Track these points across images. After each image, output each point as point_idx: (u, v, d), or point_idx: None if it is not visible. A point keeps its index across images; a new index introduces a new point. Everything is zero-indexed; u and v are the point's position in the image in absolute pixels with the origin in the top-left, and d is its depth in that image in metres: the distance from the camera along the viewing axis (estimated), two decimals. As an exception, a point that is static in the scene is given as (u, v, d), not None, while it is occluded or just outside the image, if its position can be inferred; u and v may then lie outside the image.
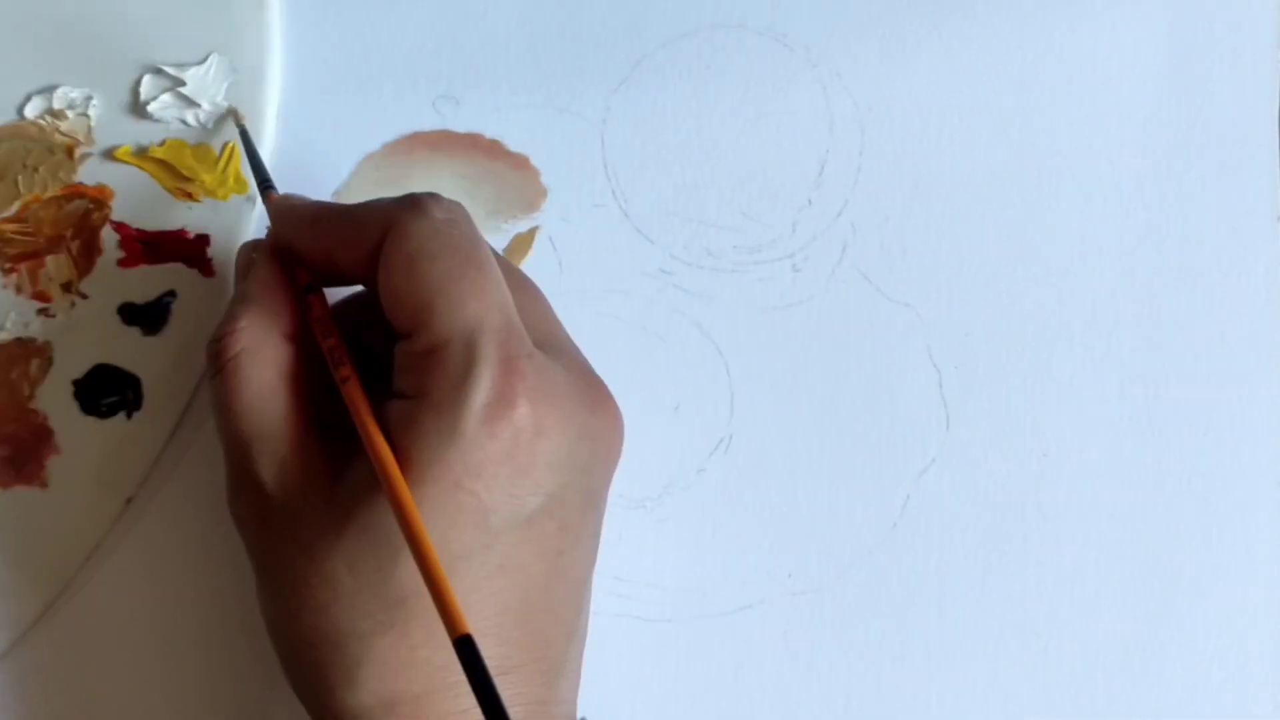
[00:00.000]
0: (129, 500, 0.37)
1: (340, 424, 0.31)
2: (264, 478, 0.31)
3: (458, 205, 0.32)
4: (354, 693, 0.30)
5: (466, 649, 0.25)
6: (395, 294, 0.30)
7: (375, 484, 0.29)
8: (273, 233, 0.34)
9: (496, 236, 0.39)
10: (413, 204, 0.31)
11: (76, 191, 0.37)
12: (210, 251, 0.38)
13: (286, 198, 0.34)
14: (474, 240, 0.31)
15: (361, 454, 0.30)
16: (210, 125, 0.38)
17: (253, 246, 0.34)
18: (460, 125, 0.39)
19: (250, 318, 0.32)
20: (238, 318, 0.32)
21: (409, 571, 0.29)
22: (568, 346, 0.33)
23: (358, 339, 0.33)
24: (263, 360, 0.31)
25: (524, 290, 0.33)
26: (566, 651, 0.32)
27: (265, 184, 0.35)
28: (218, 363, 0.32)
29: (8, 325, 0.37)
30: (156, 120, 0.38)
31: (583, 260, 0.38)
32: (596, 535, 0.33)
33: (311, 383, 0.32)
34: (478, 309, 0.30)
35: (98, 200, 0.37)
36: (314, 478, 0.31)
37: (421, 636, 0.30)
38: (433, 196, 0.32)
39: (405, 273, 0.30)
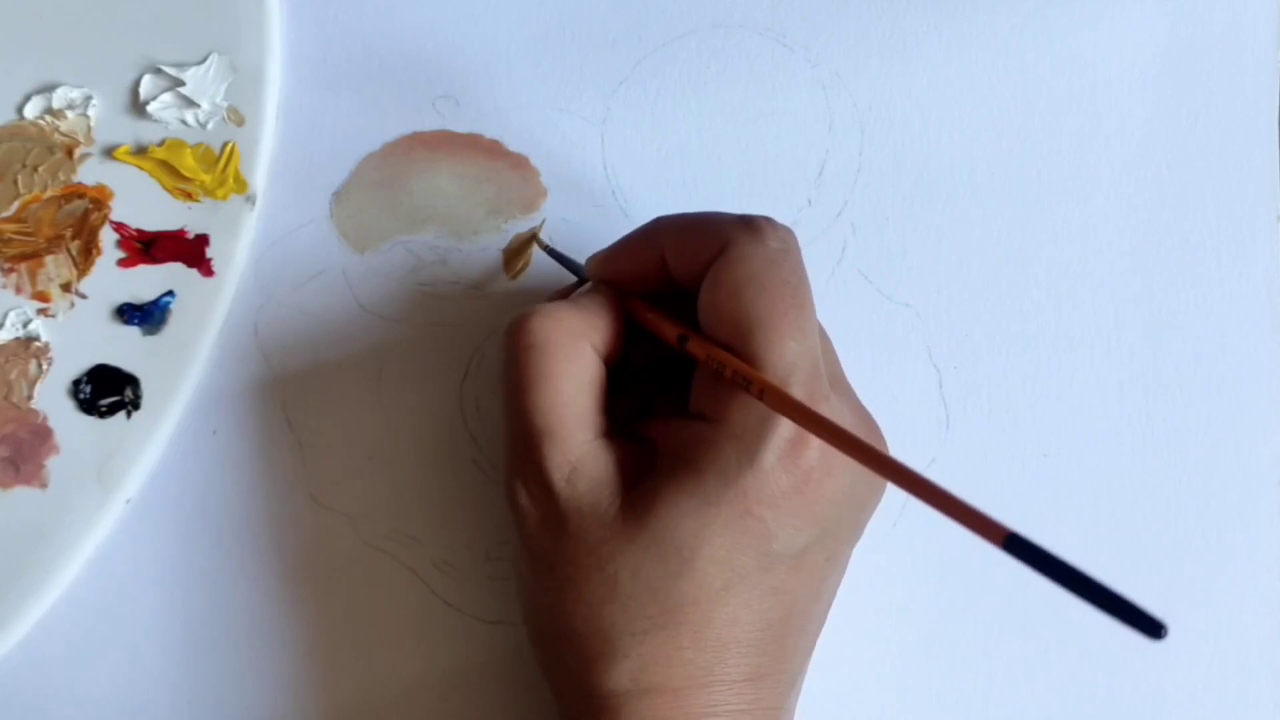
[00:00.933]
0: (128, 500, 0.37)
1: (632, 443, 0.33)
2: (553, 477, 0.32)
3: (791, 235, 0.33)
4: (615, 677, 0.31)
5: (1015, 546, 0.27)
6: (719, 313, 0.31)
7: (666, 499, 0.31)
8: (605, 267, 0.35)
9: (496, 236, 0.39)
10: (751, 227, 0.32)
11: (76, 191, 0.37)
12: (210, 251, 0.38)
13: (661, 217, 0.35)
14: (801, 276, 0.32)
15: (651, 471, 0.32)
16: (210, 125, 0.38)
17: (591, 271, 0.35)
18: (460, 125, 0.39)
19: (577, 317, 0.33)
20: (564, 310, 0.33)
21: (689, 583, 0.31)
22: (849, 390, 0.35)
23: (627, 357, 0.34)
24: (571, 358, 0.32)
25: (822, 332, 0.35)
26: (805, 665, 0.34)
27: (578, 270, 0.37)
28: (524, 342, 0.32)
29: (7, 325, 0.37)
30: (156, 120, 0.38)
31: (582, 260, 0.38)
32: (848, 561, 0.35)
33: (610, 402, 0.33)
34: (795, 350, 0.31)
35: (97, 200, 0.37)
36: (603, 486, 0.32)
37: (690, 639, 0.31)
38: (769, 222, 0.33)
39: (734, 296, 0.31)
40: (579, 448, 0.32)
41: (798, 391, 0.31)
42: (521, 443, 0.32)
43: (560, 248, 0.38)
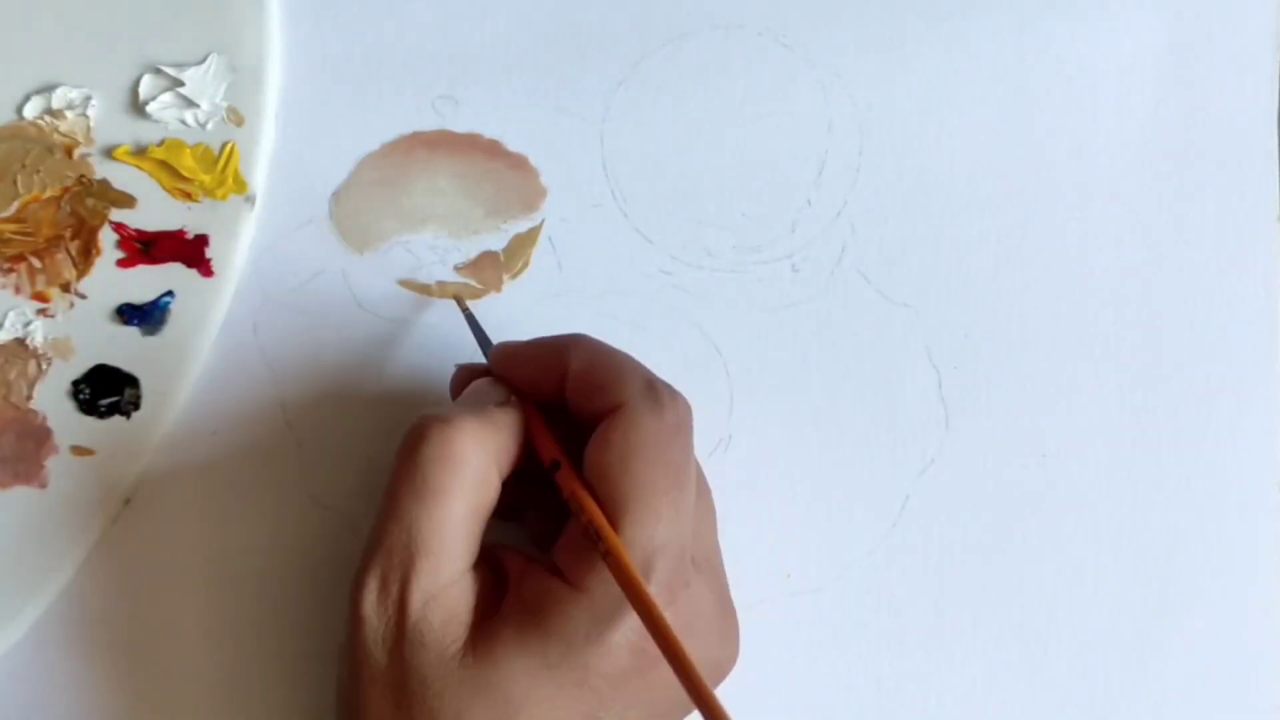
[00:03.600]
0: (128, 500, 0.37)
1: (488, 576, 0.32)
2: (412, 599, 0.31)
3: (687, 410, 0.32)
4: None
5: None
6: (601, 475, 0.31)
7: (508, 651, 0.30)
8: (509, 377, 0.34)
9: (496, 236, 0.39)
10: (653, 396, 0.32)
11: (80, 183, 0.37)
12: (209, 252, 0.38)
13: (502, 345, 0.35)
14: (688, 456, 0.32)
15: (498, 613, 0.31)
16: (209, 125, 0.38)
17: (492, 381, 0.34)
18: (460, 125, 0.39)
19: (490, 439, 0.32)
20: (482, 429, 0.32)
21: None
22: (718, 568, 0.34)
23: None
24: (477, 484, 0.31)
25: (702, 500, 0.34)
26: None
27: (484, 345, 0.36)
28: (436, 451, 0.31)
29: (7, 325, 0.37)
30: (155, 120, 0.38)
31: (582, 260, 0.38)
32: None
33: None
34: (666, 532, 0.31)
35: (102, 193, 0.37)
36: (453, 622, 0.31)
37: None
38: (672, 394, 0.32)
39: (619, 463, 0.31)
40: (447, 577, 0.31)
41: (660, 574, 0.30)
42: (392, 550, 0.31)
43: (560, 247, 0.38)
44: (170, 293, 0.37)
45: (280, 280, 0.38)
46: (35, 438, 0.37)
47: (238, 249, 0.38)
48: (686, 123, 0.39)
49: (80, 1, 0.38)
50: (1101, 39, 0.39)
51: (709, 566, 0.33)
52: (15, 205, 0.37)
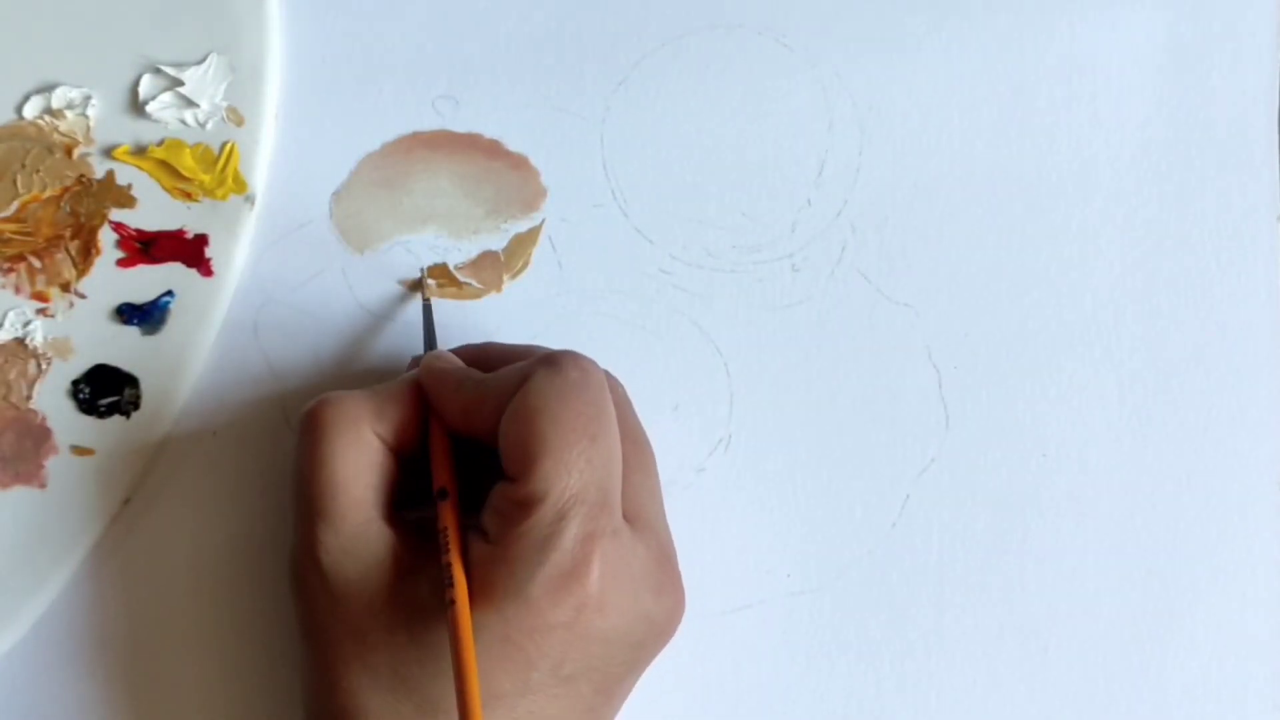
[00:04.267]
0: (127, 500, 0.37)
1: (417, 538, 0.33)
2: (323, 560, 0.32)
3: (593, 366, 0.33)
4: None
5: None
6: (511, 441, 0.32)
7: (440, 602, 0.31)
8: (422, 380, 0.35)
9: (496, 236, 0.38)
10: (550, 361, 0.32)
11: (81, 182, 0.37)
12: (209, 251, 0.38)
13: (438, 356, 0.35)
14: (600, 407, 0.32)
15: (432, 570, 0.32)
16: (209, 125, 0.38)
17: (409, 377, 0.35)
18: (460, 125, 0.39)
19: (361, 404, 0.33)
20: (350, 397, 0.33)
21: (447, 688, 0.31)
22: (656, 523, 0.34)
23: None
24: (350, 444, 0.33)
25: (639, 454, 0.34)
26: None
27: (430, 346, 0.37)
28: (305, 426, 0.33)
29: (6, 325, 0.37)
30: (155, 120, 0.38)
31: (583, 260, 0.38)
32: (629, 691, 0.34)
33: (396, 492, 0.33)
34: (579, 481, 0.31)
35: (104, 191, 0.37)
36: (372, 571, 0.32)
37: None
38: (571, 356, 0.33)
39: (526, 424, 0.31)
40: (351, 529, 0.32)
41: (575, 524, 0.31)
42: (300, 522, 0.33)
43: (560, 247, 0.38)
44: (170, 292, 0.37)
45: (280, 280, 0.38)
46: (35, 437, 0.37)
47: (238, 249, 0.38)
48: (686, 123, 0.39)
49: (80, 1, 0.38)
50: (1101, 39, 0.39)
51: (643, 520, 0.33)
52: (15, 205, 0.37)
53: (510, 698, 0.31)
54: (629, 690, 0.34)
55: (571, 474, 0.31)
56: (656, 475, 0.35)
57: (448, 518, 0.32)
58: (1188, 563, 0.38)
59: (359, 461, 0.33)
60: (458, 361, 0.35)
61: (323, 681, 0.32)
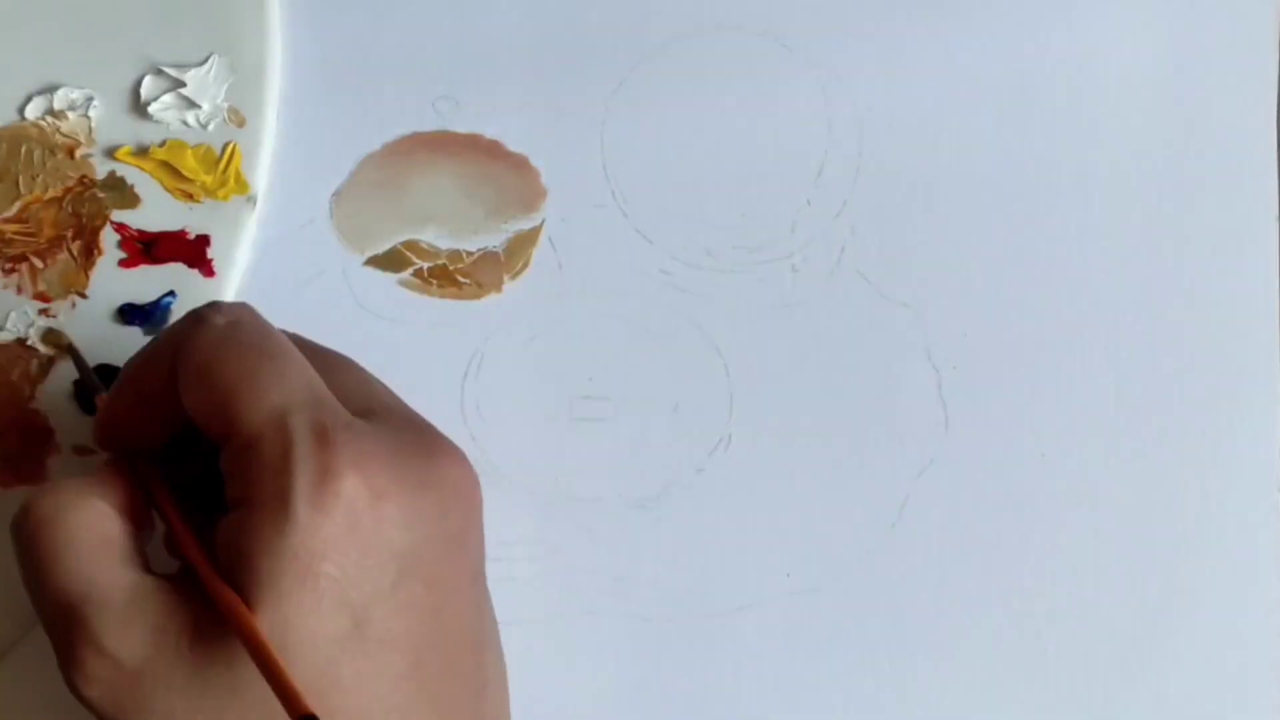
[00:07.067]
0: (129, 500, 0.37)
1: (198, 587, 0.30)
2: (106, 642, 0.28)
3: (241, 305, 0.32)
4: None
5: None
6: (196, 407, 0.30)
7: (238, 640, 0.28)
8: (102, 425, 0.33)
9: (496, 236, 0.39)
10: (193, 319, 0.31)
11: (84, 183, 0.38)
12: (210, 252, 0.38)
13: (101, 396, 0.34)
14: (262, 333, 0.31)
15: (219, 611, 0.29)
16: (210, 126, 0.38)
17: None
18: (460, 125, 0.39)
19: (67, 486, 0.31)
20: (54, 487, 0.30)
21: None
22: (395, 406, 0.32)
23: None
24: (80, 523, 0.30)
25: (335, 365, 0.32)
26: (478, 709, 0.31)
27: (95, 390, 0.35)
28: (27, 528, 0.30)
29: (8, 326, 0.37)
30: (157, 121, 0.38)
31: (582, 260, 0.39)
32: (477, 587, 0.32)
33: (148, 547, 0.31)
34: (280, 395, 0.29)
35: (106, 191, 0.38)
36: (165, 635, 0.29)
37: None
38: (212, 306, 0.31)
39: (199, 383, 0.30)
40: (121, 597, 0.29)
41: (300, 427, 0.28)
42: (61, 626, 0.29)
43: (560, 248, 0.38)
44: (172, 293, 0.38)
45: (281, 280, 0.38)
46: (37, 437, 0.37)
47: (239, 249, 0.38)
48: (686, 123, 0.39)
49: (82, 2, 0.38)
50: (1101, 39, 0.39)
51: (377, 407, 0.31)
52: (17, 205, 0.38)
53: (350, 633, 0.28)
54: (474, 585, 0.32)
55: (270, 393, 0.29)
56: (366, 372, 0.33)
57: (189, 551, 0.30)
58: (1188, 563, 0.38)
59: (95, 534, 0.30)
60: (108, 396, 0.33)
61: None
